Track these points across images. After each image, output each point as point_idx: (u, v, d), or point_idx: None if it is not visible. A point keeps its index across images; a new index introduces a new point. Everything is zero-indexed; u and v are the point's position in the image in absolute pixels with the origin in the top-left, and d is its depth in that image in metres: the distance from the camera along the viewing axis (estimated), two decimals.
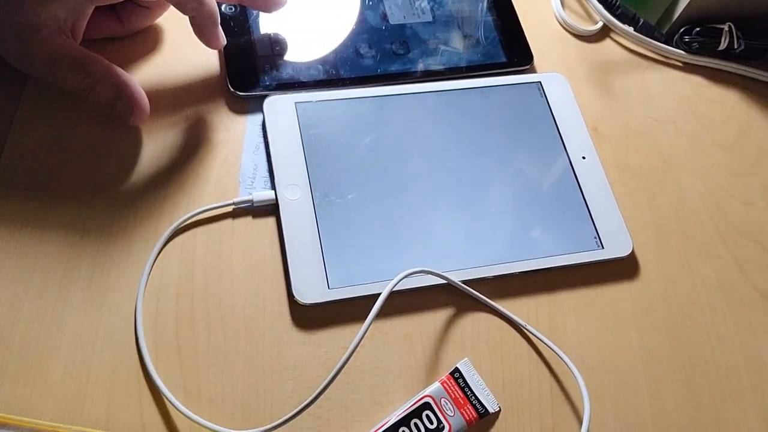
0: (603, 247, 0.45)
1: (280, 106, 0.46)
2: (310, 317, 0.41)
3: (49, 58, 0.40)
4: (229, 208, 0.43)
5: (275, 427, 0.36)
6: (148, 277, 0.40)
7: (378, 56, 0.50)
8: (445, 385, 0.39)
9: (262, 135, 0.46)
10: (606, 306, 0.44)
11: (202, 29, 0.43)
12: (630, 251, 0.45)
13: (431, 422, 0.38)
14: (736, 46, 0.54)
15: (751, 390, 0.43)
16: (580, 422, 0.40)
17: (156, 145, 0.45)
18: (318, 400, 0.36)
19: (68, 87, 0.41)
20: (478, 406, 0.39)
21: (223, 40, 0.44)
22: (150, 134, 0.45)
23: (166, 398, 0.37)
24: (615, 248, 0.45)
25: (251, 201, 0.43)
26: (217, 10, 0.43)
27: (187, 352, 0.39)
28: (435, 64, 0.51)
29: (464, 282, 0.42)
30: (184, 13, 0.42)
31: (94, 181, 0.43)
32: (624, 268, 0.46)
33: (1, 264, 0.39)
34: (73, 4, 0.39)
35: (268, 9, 0.46)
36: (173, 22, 0.49)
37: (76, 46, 0.41)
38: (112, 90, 0.41)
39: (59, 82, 0.41)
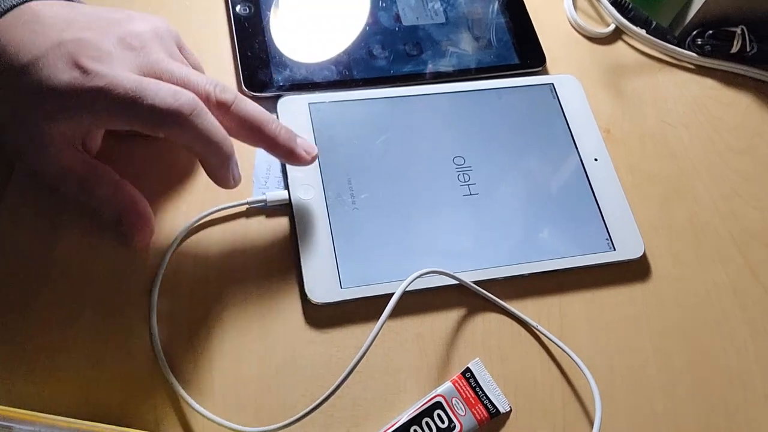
0: (614, 249, 0.45)
1: (293, 107, 0.47)
2: (322, 316, 0.41)
3: (57, 173, 0.38)
4: (243, 208, 0.44)
5: (288, 425, 0.36)
6: (163, 275, 0.41)
7: (391, 57, 0.51)
8: (456, 384, 0.39)
9: None
10: (618, 308, 0.44)
11: (211, 170, 0.39)
12: (642, 253, 0.45)
13: (443, 421, 0.38)
14: (748, 49, 0.54)
15: (765, 396, 0.43)
16: (591, 424, 0.40)
17: (171, 145, 0.45)
18: (330, 398, 0.37)
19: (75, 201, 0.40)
20: (489, 406, 0.39)
21: (234, 181, 0.40)
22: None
23: (180, 395, 0.37)
24: (627, 250, 0.45)
25: (265, 201, 0.43)
26: (228, 151, 0.38)
27: (200, 350, 0.39)
28: (448, 65, 0.51)
29: (476, 282, 0.42)
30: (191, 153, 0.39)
31: None
32: (636, 271, 0.46)
33: (18, 260, 0.40)
34: (80, 125, 0.37)
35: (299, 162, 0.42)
36: (182, 26, 0.50)
37: (87, 161, 0.39)
38: (115, 213, 0.39)
39: (67, 196, 0.40)
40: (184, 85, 0.37)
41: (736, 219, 0.49)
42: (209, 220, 0.43)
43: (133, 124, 0.36)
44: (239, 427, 0.37)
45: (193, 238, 0.42)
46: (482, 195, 0.46)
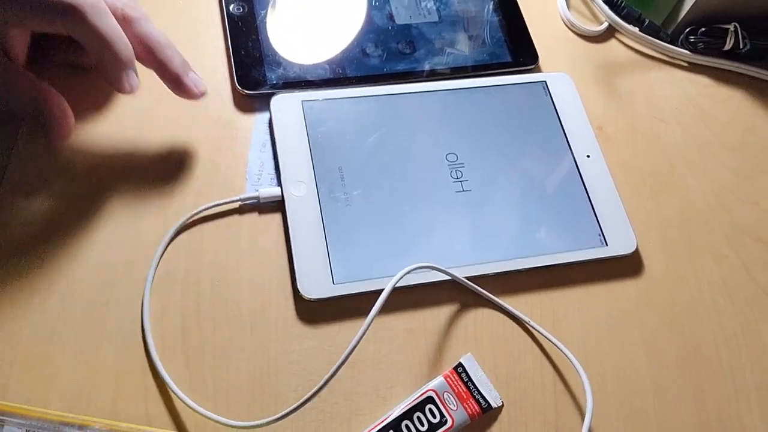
0: (607, 245, 0.45)
1: (287, 105, 0.47)
2: (314, 312, 0.41)
3: None
4: (236, 205, 0.44)
5: (278, 419, 0.37)
6: (155, 271, 0.41)
7: (384, 56, 0.51)
8: (448, 379, 0.40)
9: (268, 133, 0.47)
10: (610, 303, 0.44)
11: (106, 73, 0.40)
12: (634, 249, 0.45)
13: (434, 416, 0.38)
14: (741, 46, 0.54)
15: (757, 389, 0.43)
16: (583, 418, 0.40)
17: (164, 141, 0.45)
18: (322, 393, 0.37)
19: None
20: (481, 400, 0.39)
21: (129, 87, 0.40)
22: (158, 131, 0.46)
23: (172, 390, 0.37)
24: (619, 246, 0.45)
25: (257, 197, 0.44)
26: (125, 56, 0.39)
27: (193, 346, 0.39)
28: (441, 63, 0.51)
29: (468, 278, 0.43)
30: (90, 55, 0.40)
31: (102, 177, 0.43)
32: (628, 266, 0.46)
33: (11, 258, 0.40)
34: None
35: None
36: (176, 25, 0.50)
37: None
38: (32, 105, 0.40)
39: None
40: None
41: (728, 215, 0.49)
42: (202, 217, 0.43)
43: (31, 17, 0.37)
44: (231, 422, 0.37)
45: (186, 234, 0.42)
46: (475, 191, 0.46)
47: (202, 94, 0.43)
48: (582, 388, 0.40)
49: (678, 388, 0.42)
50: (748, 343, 0.44)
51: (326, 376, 0.37)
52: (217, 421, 0.37)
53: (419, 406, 0.38)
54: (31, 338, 0.38)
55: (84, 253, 0.41)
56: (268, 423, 0.36)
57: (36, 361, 0.38)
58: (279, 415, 0.36)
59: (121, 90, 0.40)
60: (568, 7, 0.57)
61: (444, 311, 0.43)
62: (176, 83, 0.42)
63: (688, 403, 0.42)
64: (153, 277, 0.41)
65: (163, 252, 0.42)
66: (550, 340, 0.42)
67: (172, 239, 0.42)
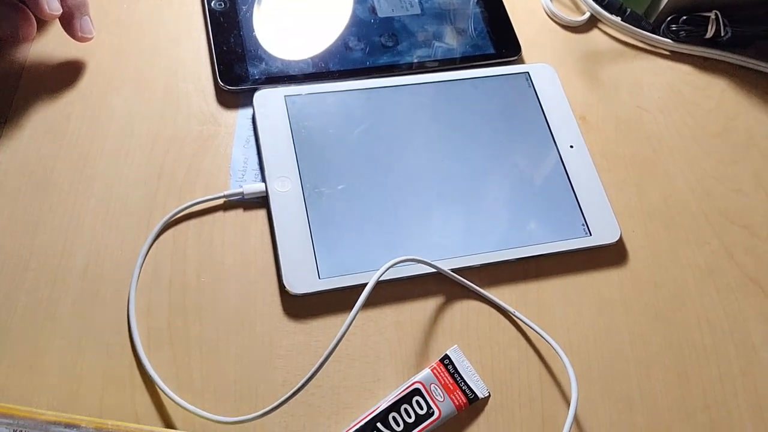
0: (591, 234, 0.46)
1: (269, 100, 0.47)
2: (300, 307, 0.41)
3: None
4: (220, 201, 0.44)
5: (265, 414, 0.37)
6: (141, 268, 0.41)
7: (367, 49, 0.51)
8: (435, 371, 0.40)
9: (252, 128, 0.47)
10: (594, 292, 0.45)
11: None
12: (618, 238, 0.46)
13: (421, 408, 0.39)
14: (722, 34, 0.54)
15: (741, 373, 0.43)
16: (569, 405, 0.40)
17: (147, 139, 0.45)
18: (309, 387, 0.37)
19: None
20: (467, 391, 0.40)
21: (48, 9, 0.43)
22: (141, 128, 0.46)
23: (159, 388, 0.37)
24: (603, 235, 0.46)
25: (242, 193, 0.44)
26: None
27: (179, 342, 0.39)
28: (424, 56, 0.51)
29: (454, 270, 0.43)
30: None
31: (86, 173, 0.43)
32: (612, 255, 0.46)
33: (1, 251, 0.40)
34: None
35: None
36: (158, 21, 0.50)
37: None
38: None
39: None
40: None
41: (711, 201, 0.49)
42: (186, 214, 0.43)
43: None
44: (218, 417, 0.37)
45: (171, 231, 0.42)
46: (459, 184, 0.46)
47: (84, 40, 0.45)
48: (567, 376, 0.41)
49: (663, 374, 0.42)
50: (732, 328, 0.45)
51: (311, 371, 0.37)
52: (204, 417, 0.37)
53: (406, 398, 0.39)
54: (18, 337, 0.38)
55: (69, 250, 0.41)
56: (255, 418, 0.37)
57: (23, 360, 0.38)
58: (265, 410, 0.37)
59: (39, 14, 0.43)
60: None
61: (430, 304, 0.43)
62: (67, 20, 0.45)
63: (673, 388, 0.42)
64: (138, 275, 0.41)
65: (149, 249, 0.42)
66: (535, 330, 0.42)
67: (156, 237, 0.42)
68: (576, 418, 0.40)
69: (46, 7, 0.43)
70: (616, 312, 0.44)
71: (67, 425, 0.33)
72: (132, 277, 0.40)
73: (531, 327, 0.42)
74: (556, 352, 0.41)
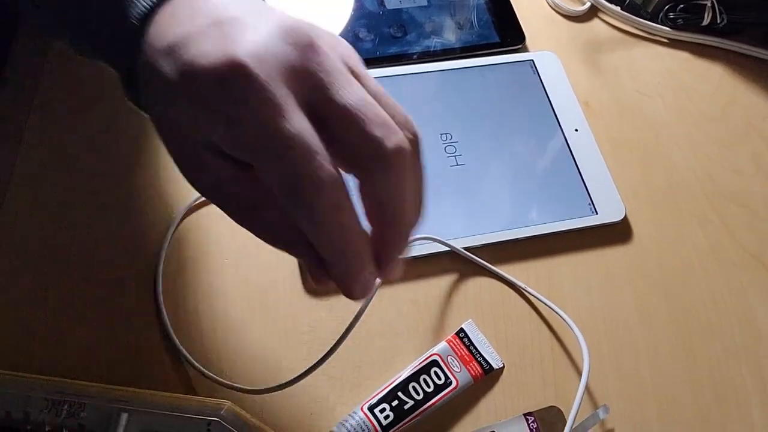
0: (597, 213, 0.47)
1: None
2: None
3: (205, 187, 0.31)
4: None
5: (288, 384, 0.38)
6: (167, 249, 0.42)
7: (376, 40, 0.53)
8: (451, 344, 0.41)
9: None
10: (601, 269, 0.46)
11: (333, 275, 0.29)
12: (623, 216, 0.47)
13: (439, 378, 0.40)
14: (719, 21, 0.56)
15: (744, 347, 0.45)
16: (579, 376, 0.42)
17: None
18: (331, 360, 0.38)
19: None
20: (483, 362, 0.41)
21: (363, 292, 0.29)
22: None
23: (187, 361, 0.39)
24: (608, 214, 0.47)
25: None
26: (357, 262, 0.28)
27: (206, 320, 0.41)
28: (431, 46, 0.53)
29: (466, 249, 0.44)
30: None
31: (113, 160, 0.45)
32: (618, 233, 0.48)
33: (29, 241, 0.42)
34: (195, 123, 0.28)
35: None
36: None
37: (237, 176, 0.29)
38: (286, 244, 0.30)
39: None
40: (357, 109, 0.27)
41: (712, 182, 0.51)
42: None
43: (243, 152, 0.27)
44: (244, 387, 0.38)
45: (195, 215, 0.44)
46: (469, 166, 0.48)
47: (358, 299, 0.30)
48: (578, 348, 0.42)
49: (670, 348, 0.44)
50: (735, 304, 0.46)
51: (333, 343, 0.38)
52: (231, 387, 0.38)
53: (425, 369, 0.40)
54: (53, 316, 0.40)
55: (98, 235, 0.42)
56: (279, 387, 0.38)
57: (57, 337, 0.39)
58: (288, 380, 0.38)
59: (350, 297, 0.29)
60: None
61: (444, 281, 0.44)
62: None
63: (679, 362, 0.44)
64: (165, 255, 0.42)
65: (175, 231, 0.43)
66: (546, 304, 0.44)
67: (181, 220, 0.44)
68: (587, 389, 0.42)
69: (357, 293, 0.29)
70: (623, 288, 0.46)
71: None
72: (159, 260, 0.42)
73: (542, 301, 0.44)
74: (568, 325, 0.43)
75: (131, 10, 0.29)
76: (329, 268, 0.28)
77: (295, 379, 0.38)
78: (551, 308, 0.43)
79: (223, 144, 0.27)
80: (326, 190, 0.26)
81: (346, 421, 0.38)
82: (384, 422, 0.37)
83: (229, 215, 0.29)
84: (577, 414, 0.39)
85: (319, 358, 0.38)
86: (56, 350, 0.39)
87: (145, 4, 0.29)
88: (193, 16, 0.28)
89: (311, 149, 0.26)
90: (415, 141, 0.29)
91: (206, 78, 0.26)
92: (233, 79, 0.25)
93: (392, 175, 0.27)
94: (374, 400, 0.39)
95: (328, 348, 0.39)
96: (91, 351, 0.39)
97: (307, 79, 0.26)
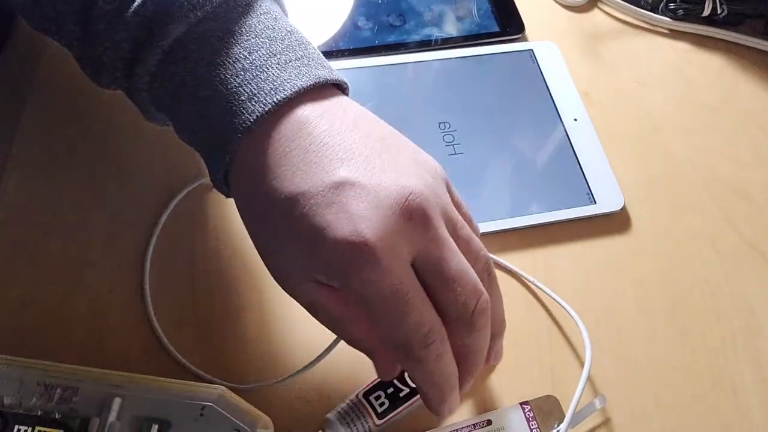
0: (595, 203, 0.47)
1: None
2: None
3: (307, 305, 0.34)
4: None
5: (283, 380, 0.38)
6: (156, 240, 0.42)
7: (375, 28, 0.52)
8: None
9: None
10: (600, 258, 0.46)
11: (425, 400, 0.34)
12: (621, 206, 0.47)
13: None
14: (719, 12, 0.56)
15: (742, 336, 0.44)
16: (579, 362, 0.42)
17: None
18: (330, 355, 0.38)
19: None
20: None
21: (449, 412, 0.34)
22: None
23: (179, 361, 0.39)
24: (607, 203, 0.47)
25: None
26: (449, 390, 0.33)
27: (195, 310, 0.41)
28: (430, 34, 0.53)
29: None
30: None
31: (107, 145, 0.45)
32: (616, 223, 0.48)
33: (22, 228, 0.41)
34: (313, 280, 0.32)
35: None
36: None
37: (334, 298, 0.32)
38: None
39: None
40: (454, 280, 0.31)
41: (710, 171, 0.51)
42: (202, 186, 0.44)
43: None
44: (236, 386, 0.38)
45: (188, 202, 0.44)
46: (467, 155, 0.48)
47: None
48: (576, 339, 0.42)
49: (667, 337, 0.44)
50: (732, 292, 0.46)
51: (331, 341, 0.38)
52: (221, 384, 0.38)
53: None
54: (47, 298, 0.40)
55: (90, 221, 0.42)
56: (274, 383, 0.38)
57: (51, 320, 0.39)
58: (284, 377, 0.38)
59: (438, 415, 0.34)
60: None
61: None
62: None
63: (677, 350, 0.43)
64: (154, 245, 0.42)
65: (166, 220, 0.43)
66: (545, 292, 0.43)
67: (175, 208, 0.43)
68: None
69: (444, 414, 0.34)
70: (621, 277, 0.46)
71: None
72: (148, 249, 0.42)
73: (542, 289, 0.43)
74: (569, 314, 0.42)
75: (238, 119, 0.32)
76: (422, 396, 0.33)
77: (288, 377, 0.38)
78: (551, 296, 0.43)
79: (331, 282, 0.31)
80: (433, 348, 0.31)
81: (342, 408, 0.37)
82: (379, 409, 0.37)
83: (318, 321, 0.34)
84: (578, 403, 0.38)
85: (315, 356, 0.37)
86: (48, 335, 0.39)
87: (248, 118, 0.31)
88: (307, 161, 0.31)
89: (425, 318, 0.31)
90: (488, 267, 0.34)
91: (330, 250, 0.30)
92: (359, 257, 0.29)
93: (474, 332, 0.32)
94: (370, 387, 0.38)
95: (324, 339, 0.38)
96: (83, 338, 0.39)
97: (421, 251, 0.31)
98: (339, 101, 0.34)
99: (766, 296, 0.46)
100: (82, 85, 0.47)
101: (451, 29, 0.53)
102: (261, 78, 0.32)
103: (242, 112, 0.31)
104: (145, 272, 0.41)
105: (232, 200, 0.43)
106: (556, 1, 0.58)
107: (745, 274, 0.47)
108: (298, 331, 0.41)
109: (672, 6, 0.57)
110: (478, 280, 0.32)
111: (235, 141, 0.31)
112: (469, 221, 0.35)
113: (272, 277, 0.33)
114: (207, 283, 0.42)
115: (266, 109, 0.31)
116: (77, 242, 0.42)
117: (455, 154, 0.47)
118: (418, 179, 0.32)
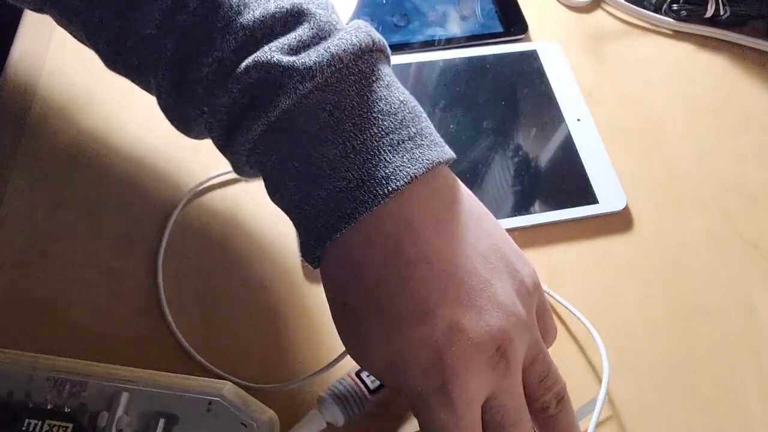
0: (598, 202, 0.47)
1: None
2: None
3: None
4: None
5: (303, 380, 0.38)
6: (168, 238, 0.43)
7: (379, 29, 0.52)
8: None
9: None
10: (602, 258, 0.46)
11: None
12: (624, 206, 0.48)
13: None
14: (722, 13, 0.56)
15: (742, 332, 0.45)
16: (578, 360, 0.42)
17: None
18: (331, 344, 0.39)
19: None
20: None
21: None
22: None
23: (186, 351, 0.39)
24: (609, 203, 0.48)
25: None
26: None
27: (207, 309, 0.41)
28: (434, 35, 0.53)
29: None
30: None
31: (115, 147, 0.45)
32: (618, 222, 0.48)
33: (33, 223, 0.42)
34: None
35: None
36: None
37: None
38: None
39: None
40: (510, 430, 0.31)
41: (713, 171, 0.51)
42: (212, 185, 0.45)
43: None
44: (245, 383, 0.39)
45: (197, 201, 0.44)
46: (472, 156, 0.48)
47: None
48: (577, 336, 0.43)
49: (669, 336, 0.44)
50: (735, 293, 0.46)
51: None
52: (229, 380, 0.39)
53: None
54: (53, 296, 0.40)
55: (99, 219, 0.43)
56: (280, 385, 0.38)
57: (57, 319, 0.39)
58: (304, 377, 0.38)
59: None
60: None
61: None
62: None
63: (679, 349, 0.44)
64: (166, 243, 0.43)
65: (176, 218, 0.43)
66: (548, 293, 0.44)
67: (183, 207, 0.44)
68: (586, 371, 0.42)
69: None
70: (624, 277, 0.46)
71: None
72: (160, 246, 0.42)
73: (548, 293, 0.44)
74: (573, 314, 0.43)
75: (344, 208, 0.30)
76: None
77: (302, 379, 0.38)
78: (554, 296, 0.43)
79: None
80: None
81: (334, 386, 0.38)
82: (372, 385, 0.38)
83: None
84: (601, 410, 0.38)
85: (328, 362, 0.37)
86: (58, 331, 0.39)
87: (356, 209, 0.30)
88: (410, 289, 0.30)
89: None
90: (559, 394, 0.34)
91: (413, 378, 0.30)
92: (437, 399, 0.30)
93: None
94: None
95: (327, 334, 0.39)
96: (93, 334, 0.39)
97: (491, 393, 0.31)
98: (447, 191, 0.32)
99: (766, 296, 0.46)
100: (87, 85, 0.47)
101: (455, 29, 0.54)
102: (372, 163, 0.30)
103: (351, 200, 0.30)
104: (158, 270, 0.41)
105: (244, 198, 0.44)
106: (560, 2, 0.58)
107: (747, 274, 0.47)
108: (310, 333, 0.41)
109: (675, 7, 0.57)
110: (530, 427, 0.32)
111: (338, 230, 0.30)
112: (549, 323, 0.35)
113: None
114: (219, 282, 0.42)
115: (376, 201, 0.30)
116: (87, 241, 0.42)
117: (459, 154, 0.48)
118: (515, 321, 0.31)
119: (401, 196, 0.30)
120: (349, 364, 0.38)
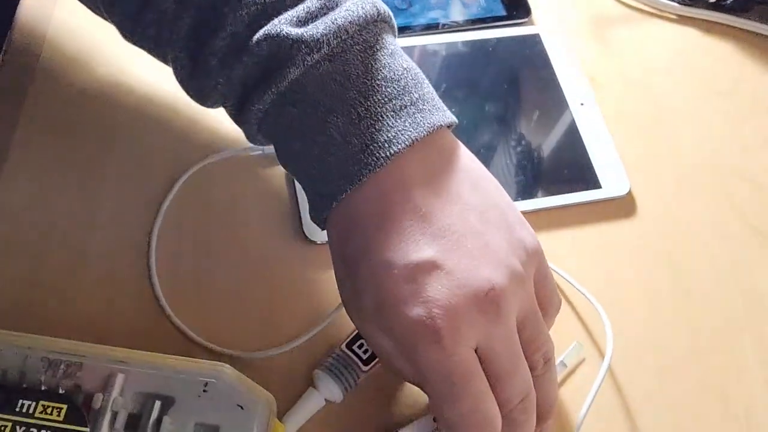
0: (601, 187, 0.47)
1: None
2: (321, 256, 0.43)
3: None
4: (245, 154, 0.45)
5: (283, 348, 0.38)
6: (164, 217, 0.42)
7: None
8: None
9: None
10: (605, 242, 0.46)
11: None
12: (627, 191, 0.47)
13: None
14: None
15: (747, 318, 0.44)
16: (582, 336, 0.41)
17: (174, 95, 0.47)
18: (327, 328, 0.39)
19: None
20: None
21: None
22: (168, 85, 0.47)
23: (185, 333, 0.39)
24: (612, 188, 0.47)
25: (263, 147, 0.45)
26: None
27: (203, 289, 0.41)
28: (437, 18, 0.53)
29: None
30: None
31: (112, 127, 0.45)
32: (621, 207, 0.47)
33: (29, 206, 0.41)
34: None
35: None
36: None
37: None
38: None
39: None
40: (502, 377, 0.32)
41: (718, 157, 0.50)
42: (210, 166, 0.44)
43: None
44: (238, 353, 0.38)
45: (194, 182, 0.44)
46: (474, 140, 0.47)
47: None
48: (580, 315, 0.42)
49: (673, 320, 0.44)
50: (739, 278, 0.46)
51: (334, 308, 0.38)
52: (222, 354, 0.38)
53: None
54: (51, 274, 0.40)
55: (96, 196, 0.42)
56: (278, 354, 0.38)
57: (55, 297, 0.39)
58: (287, 346, 0.38)
59: None
60: None
61: None
62: None
63: (682, 333, 0.43)
64: (161, 223, 0.42)
65: (173, 199, 0.43)
66: (562, 276, 0.43)
67: (182, 187, 0.43)
68: (586, 361, 0.41)
69: None
70: (627, 261, 0.45)
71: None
72: (154, 228, 0.42)
73: (556, 271, 0.43)
74: (578, 290, 0.42)
75: (349, 170, 0.32)
76: None
77: (290, 348, 0.38)
78: (567, 280, 0.43)
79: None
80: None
81: (328, 362, 0.38)
82: (364, 356, 0.38)
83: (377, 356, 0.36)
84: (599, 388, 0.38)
85: (315, 331, 0.38)
86: (52, 313, 0.39)
87: (360, 170, 0.32)
88: (401, 229, 0.31)
89: (479, 407, 0.31)
90: (546, 355, 0.34)
91: (401, 323, 0.31)
92: (427, 338, 0.30)
93: (514, 427, 0.33)
94: (351, 339, 0.38)
95: (324, 316, 0.39)
96: (88, 315, 0.39)
97: (483, 339, 0.31)
98: (447, 152, 0.34)
99: None
100: (84, 66, 0.47)
101: (457, 13, 0.53)
102: (375, 128, 0.32)
103: (354, 163, 0.32)
104: (152, 250, 0.41)
105: (237, 178, 0.44)
106: None
107: (750, 259, 0.46)
108: (301, 302, 0.41)
109: None
110: (528, 377, 0.33)
111: (343, 191, 0.32)
112: (551, 293, 0.36)
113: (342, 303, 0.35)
114: (212, 258, 0.42)
115: (378, 163, 0.32)
116: (83, 221, 0.42)
117: (462, 138, 0.47)
118: (505, 270, 0.32)
119: (401, 158, 0.32)
120: (342, 333, 0.38)
